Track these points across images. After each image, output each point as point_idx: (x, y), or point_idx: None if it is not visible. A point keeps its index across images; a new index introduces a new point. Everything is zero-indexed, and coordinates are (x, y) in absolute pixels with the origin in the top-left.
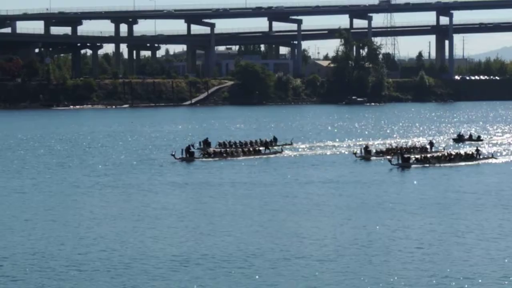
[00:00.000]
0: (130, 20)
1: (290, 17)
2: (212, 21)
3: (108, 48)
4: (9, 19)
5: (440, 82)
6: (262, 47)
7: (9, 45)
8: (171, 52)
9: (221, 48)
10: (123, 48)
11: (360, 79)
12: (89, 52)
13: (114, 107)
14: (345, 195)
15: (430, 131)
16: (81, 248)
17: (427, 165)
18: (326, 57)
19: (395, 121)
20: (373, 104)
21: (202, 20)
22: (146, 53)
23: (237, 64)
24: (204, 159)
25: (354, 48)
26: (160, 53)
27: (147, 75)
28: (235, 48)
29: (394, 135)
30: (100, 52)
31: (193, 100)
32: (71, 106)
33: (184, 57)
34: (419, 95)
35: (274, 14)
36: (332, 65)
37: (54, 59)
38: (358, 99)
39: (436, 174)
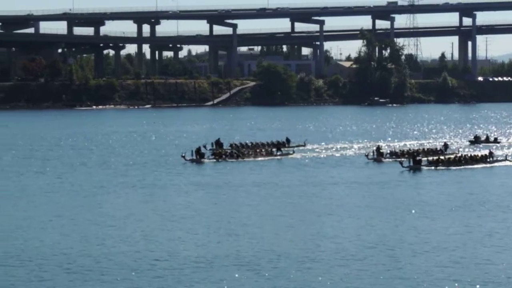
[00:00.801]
0: (153, 20)
1: (313, 17)
2: (234, 21)
3: (131, 49)
4: (32, 20)
5: (463, 83)
6: (284, 47)
7: (32, 45)
8: (194, 53)
9: (243, 48)
10: (146, 48)
11: (382, 80)
12: (111, 52)
13: (136, 107)
14: (359, 196)
15: (447, 133)
16: (105, 247)
17: (439, 167)
18: (348, 58)
19: (414, 122)
20: (395, 105)
21: (224, 20)
22: (168, 54)
23: (259, 65)
24: (214, 160)
25: (377, 49)
26: (183, 53)
27: (170, 76)
28: (257, 48)
29: (410, 137)
30: (123, 52)
31: (215, 101)
32: (94, 107)
33: (206, 58)
34: (442, 96)
35: (297, 14)
36: (354, 66)
37: (77, 59)
38: (380, 100)
39: (447, 176)
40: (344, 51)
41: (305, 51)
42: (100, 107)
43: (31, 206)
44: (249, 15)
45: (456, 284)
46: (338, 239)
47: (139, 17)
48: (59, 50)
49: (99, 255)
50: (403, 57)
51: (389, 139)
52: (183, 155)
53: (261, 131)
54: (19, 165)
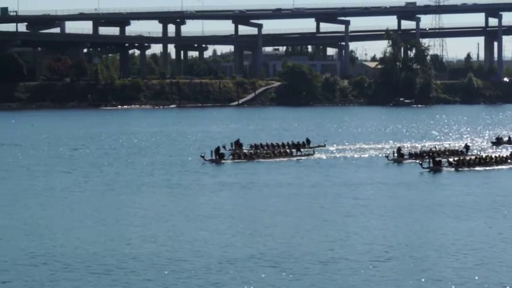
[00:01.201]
0: (178, 20)
1: (338, 18)
2: (259, 21)
3: (156, 49)
4: (58, 19)
5: (488, 84)
6: (310, 48)
7: (58, 45)
8: (219, 53)
9: (269, 49)
10: (171, 48)
11: (407, 80)
12: (137, 52)
13: (161, 107)
14: (380, 197)
15: (470, 134)
16: (131, 247)
17: (459, 168)
18: (373, 58)
19: (438, 123)
20: (420, 106)
21: (250, 20)
22: (193, 54)
23: (284, 65)
24: (234, 160)
25: (402, 49)
26: (208, 53)
27: (195, 76)
28: (282, 49)
29: (432, 137)
30: (148, 52)
31: (240, 101)
32: (119, 106)
33: (231, 58)
34: (467, 97)
35: (322, 15)
36: (379, 66)
37: (102, 59)
38: (406, 100)
39: (468, 178)
40: (370, 51)
41: (330, 51)
42: (125, 107)
43: (57, 205)
44: (274, 15)
45: (486, 286)
46: (363, 239)
47: (165, 17)
48: (85, 50)
49: (124, 254)
50: (428, 57)
51: (411, 139)
52: (203, 155)
53: (287, 132)
54: (45, 164)
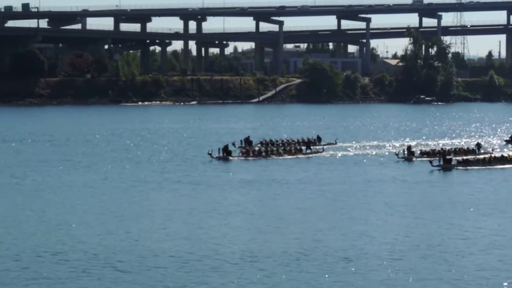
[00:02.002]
0: (199, 17)
1: (359, 15)
2: (280, 18)
3: (177, 45)
4: (79, 16)
5: (510, 82)
6: (331, 45)
7: (79, 41)
8: (240, 50)
9: (289, 46)
10: (192, 45)
11: (428, 78)
12: (158, 48)
13: (182, 103)
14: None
15: (486, 132)
16: (150, 243)
17: (469, 167)
18: (394, 56)
19: (456, 121)
20: (441, 103)
21: (271, 17)
22: (214, 50)
23: (305, 62)
24: (242, 158)
25: (423, 47)
26: (229, 50)
27: (215, 72)
28: (303, 46)
29: (447, 136)
30: (169, 49)
31: (261, 98)
32: (140, 103)
33: (252, 55)
34: (489, 95)
35: (343, 12)
36: (400, 63)
37: (123, 55)
38: (427, 98)
39: (477, 176)
40: (391, 48)
41: (351, 48)
42: (146, 103)
43: (77, 201)
44: (295, 12)
45: (505, 284)
46: (385, 236)
47: (186, 14)
48: (106, 46)
49: (144, 251)
50: (449, 55)
51: (424, 137)
52: (210, 152)
53: (306, 129)
54: (66, 160)
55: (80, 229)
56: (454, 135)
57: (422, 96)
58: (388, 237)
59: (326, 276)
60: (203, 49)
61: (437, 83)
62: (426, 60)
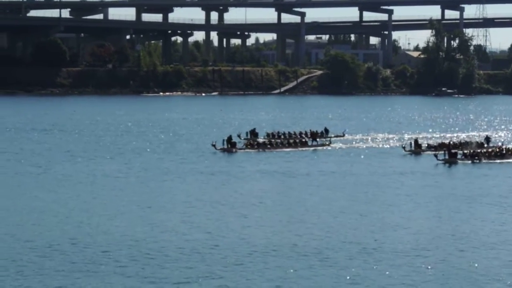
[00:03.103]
0: (221, 8)
1: (381, 7)
2: (302, 10)
3: (199, 36)
4: (101, 6)
5: None
6: (352, 37)
7: (100, 31)
8: (261, 41)
9: (311, 37)
10: (214, 35)
11: (450, 70)
12: (179, 39)
13: (203, 94)
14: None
15: (499, 125)
16: (173, 234)
17: (475, 161)
18: (416, 48)
19: (473, 114)
20: (462, 96)
21: (293, 9)
22: (236, 41)
23: (326, 54)
24: (247, 150)
25: (445, 39)
26: (250, 41)
27: (237, 63)
28: (325, 37)
29: (456, 129)
30: (191, 39)
31: (282, 89)
32: (161, 93)
33: (274, 46)
34: (510, 88)
35: (365, 3)
36: (422, 56)
37: (144, 46)
38: (448, 91)
39: (482, 170)
40: (413, 41)
41: (373, 40)
42: (167, 93)
43: (100, 192)
44: (317, 3)
45: None
46: (404, 229)
47: (208, 4)
48: (127, 37)
49: (166, 242)
50: (471, 47)
51: (437, 130)
52: (214, 144)
53: (327, 120)
54: (88, 150)
55: (102, 220)
56: (470, 128)
57: (443, 89)
58: (412, 229)
59: (351, 269)
60: (224, 40)
61: (458, 75)
62: (448, 52)
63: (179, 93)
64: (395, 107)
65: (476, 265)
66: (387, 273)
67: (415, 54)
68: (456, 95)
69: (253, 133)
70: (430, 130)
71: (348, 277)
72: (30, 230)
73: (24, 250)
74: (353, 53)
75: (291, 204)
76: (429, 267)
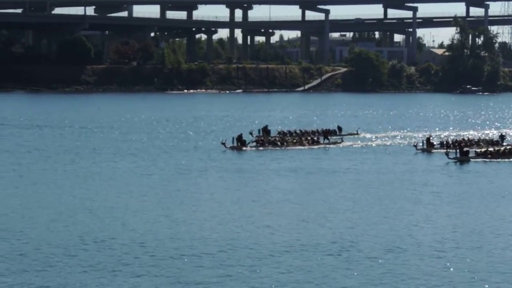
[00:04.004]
0: (245, 5)
1: (406, 4)
2: (326, 7)
3: (223, 33)
4: (126, 3)
5: None
6: (377, 34)
7: (125, 28)
8: (285, 38)
9: (335, 34)
10: (238, 33)
11: (475, 68)
12: (203, 36)
13: (227, 92)
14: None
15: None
16: (196, 232)
17: (488, 159)
18: (441, 45)
19: (493, 111)
20: (486, 93)
21: (317, 6)
22: (260, 39)
23: (351, 51)
24: (257, 148)
25: (470, 36)
26: (274, 38)
27: (261, 61)
28: (349, 34)
29: (475, 127)
30: (215, 37)
31: (306, 86)
32: (185, 90)
33: (298, 43)
34: None
35: (390, 1)
36: (447, 53)
37: (169, 43)
38: (473, 88)
39: (496, 169)
40: (437, 38)
41: (398, 37)
42: (191, 91)
43: (123, 189)
44: (341, 0)
45: None
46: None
47: (232, 2)
48: (152, 34)
49: (191, 240)
50: (496, 45)
51: (452, 128)
52: (223, 142)
53: (354, 118)
54: (112, 147)
55: (127, 218)
56: (487, 126)
57: (468, 86)
58: (435, 228)
59: (375, 267)
60: (249, 37)
61: (483, 73)
62: (473, 49)
63: (203, 90)
64: (418, 104)
65: (502, 264)
66: (412, 271)
67: (440, 51)
68: (481, 93)
69: (265, 131)
70: (448, 128)
71: (373, 276)
72: (55, 227)
73: (49, 248)
74: (377, 50)
75: (311, 202)
76: (454, 265)
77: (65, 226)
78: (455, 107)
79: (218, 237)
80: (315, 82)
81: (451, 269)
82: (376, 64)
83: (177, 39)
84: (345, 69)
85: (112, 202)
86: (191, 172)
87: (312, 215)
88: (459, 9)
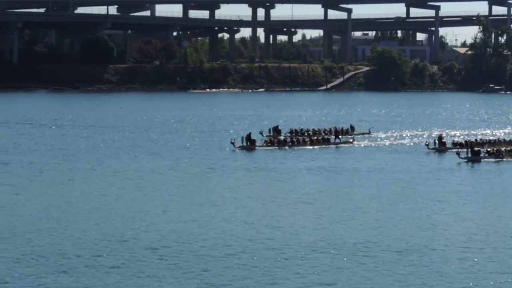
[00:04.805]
0: (267, 4)
1: (428, 3)
2: (349, 6)
3: (245, 32)
4: (148, 2)
5: None
6: (399, 33)
7: (147, 28)
8: (308, 37)
9: (358, 33)
10: (260, 32)
11: (498, 66)
12: (226, 36)
13: (249, 91)
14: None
15: None
16: (221, 231)
17: (500, 159)
18: (463, 44)
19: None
20: (509, 92)
21: (339, 5)
22: (282, 38)
23: (373, 50)
24: (266, 147)
25: (493, 35)
26: (297, 37)
27: (283, 60)
28: (371, 33)
29: (486, 126)
30: (237, 36)
31: (329, 85)
32: (207, 89)
33: (320, 42)
34: None
35: (412, 0)
36: (469, 52)
37: (191, 42)
38: (496, 87)
39: (509, 168)
40: (460, 37)
41: (420, 36)
42: (214, 90)
43: (147, 188)
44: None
45: None
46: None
47: (254, 1)
48: (174, 33)
49: (215, 240)
50: None
51: (468, 127)
52: (233, 141)
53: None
54: (136, 146)
55: (151, 217)
56: (498, 126)
57: (491, 85)
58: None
59: (402, 266)
60: (271, 36)
61: (506, 72)
62: (496, 48)
63: (226, 89)
64: (438, 103)
65: None
66: (439, 270)
67: (462, 50)
68: (504, 92)
69: (276, 130)
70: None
71: (400, 275)
72: (79, 226)
73: (73, 247)
74: (400, 49)
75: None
76: (481, 264)
77: (89, 225)
78: (480, 106)
79: (243, 237)
80: (337, 81)
81: (479, 268)
82: (399, 63)
83: (199, 38)
84: (367, 68)
85: (136, 201)
86: (215, 171)
87: (337, 214)
88: (481, 8)
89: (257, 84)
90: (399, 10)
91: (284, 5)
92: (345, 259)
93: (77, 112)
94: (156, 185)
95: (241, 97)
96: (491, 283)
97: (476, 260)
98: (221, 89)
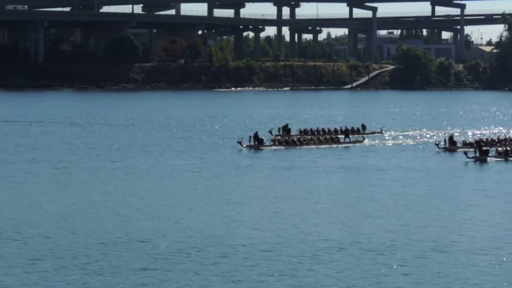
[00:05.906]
0: (292, 3)
1: (453, 1)
2: (374, 4)
3: (270, 31)
4: (173, 1)
5: None
6: (424, 31)
7: (173, 26)
8: (333, 36)
9: (383, 32)
10: (285, 31)
11: None
12: (251, 34)
13: (275, 89)
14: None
15: None
16: (238, 230)
17: (509, 158)
18: (489, 43)
19: None
20: None
21: (364, 3)
22: (307, 36)
23: (398, 49)
24: (274, 146)
25: None
26: (322, 36)
27: (308, 58)
28: (397, 32)
29: (498, 126)
30: (262, 34)
31: (354, 84)
32: (233, 88)
33: (345, 41)
34: None
35: None
36: (495, 50)
37: (216, 41)
38: None
39: None
40: (485, 35)
41: (445, 35)
42: (239, 89)
43: (172, 186)
44: None
45: None
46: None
47: (279, 0)
48: (199, 32)
49: (240, 238)
50: None
51: (485, 127)
52: (240, 141)
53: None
54: (160, 145)
55: (176, 214)
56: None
57: None
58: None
59: (427, 266)
60: (296, 35)
61: None
62: None
63: (251, 88)
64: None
65: None
66: (465, 271)
67: (488, 48)
68: None
69: (285, 129)
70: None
71: (425, 275)
72: (103, 225)
73: (98, 246)
74: (425, 48)
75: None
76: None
77: (113, 224)
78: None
79: (268, 236)
80: (362, 80)
81: (505, 269)
82: (424, 62)
83: (224, 36)
84: (392, 67)
85: (161, 199)
86: (239, 169)
87: (360, 213)
88: (507, 6)
89: (282, 83)
90: (424, 8)
91: (309, 3)
92: (370, 258)
93: (102, 111)
94: (182, 184)
95: (266, 95)
96: None
97: (502, 260)
98: (246, 87)
